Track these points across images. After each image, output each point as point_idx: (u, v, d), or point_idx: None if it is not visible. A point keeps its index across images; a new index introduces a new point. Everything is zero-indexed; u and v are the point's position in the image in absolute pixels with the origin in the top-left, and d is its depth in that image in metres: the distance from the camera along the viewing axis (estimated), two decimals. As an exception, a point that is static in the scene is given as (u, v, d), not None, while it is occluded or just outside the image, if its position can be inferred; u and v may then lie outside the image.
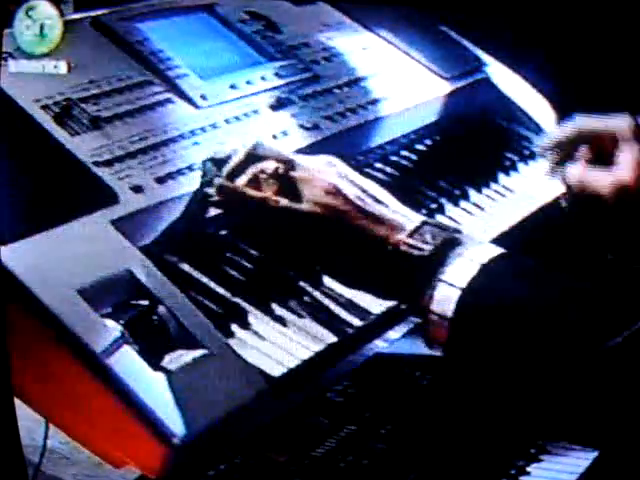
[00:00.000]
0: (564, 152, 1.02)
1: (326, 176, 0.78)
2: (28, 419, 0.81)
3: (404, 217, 0.75)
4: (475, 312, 0.69)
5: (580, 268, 1.07)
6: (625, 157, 0.96)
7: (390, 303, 0.82)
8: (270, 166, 0.81)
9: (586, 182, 0.97)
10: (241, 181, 0.81)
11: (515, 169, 1.15)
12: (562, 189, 0.99)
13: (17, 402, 0.79)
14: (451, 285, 0.70)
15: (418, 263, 0.72)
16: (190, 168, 0.90)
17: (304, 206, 0.77)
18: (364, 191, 0.77)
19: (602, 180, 0.96)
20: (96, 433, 0.74)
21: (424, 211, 1.01)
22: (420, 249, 0.72)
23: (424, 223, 0.74)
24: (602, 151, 0.99)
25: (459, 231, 0.74)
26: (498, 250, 0.73)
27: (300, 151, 0.99)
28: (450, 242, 0.72)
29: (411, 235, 0.73)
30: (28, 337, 0.75)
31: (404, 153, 1.11)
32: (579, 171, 0.98)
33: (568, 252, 1.05)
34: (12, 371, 0.77)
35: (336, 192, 0.76)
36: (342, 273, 0.77)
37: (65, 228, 0.79)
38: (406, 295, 0.74)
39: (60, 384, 0.74)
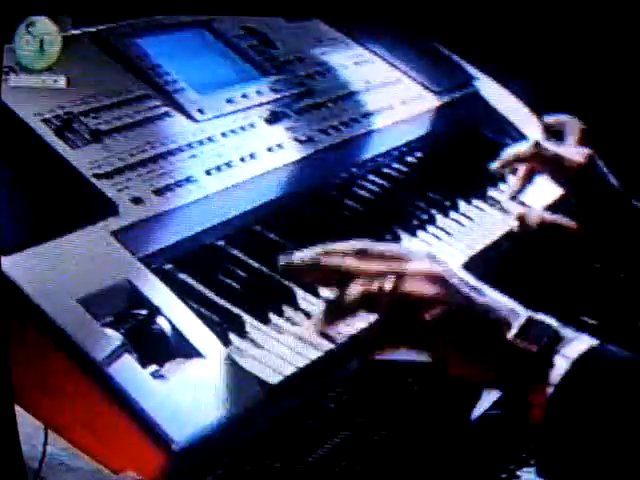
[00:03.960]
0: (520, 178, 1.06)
1: (435, 269, 0.78)
2: (28, 426, 0.81)
3: (510, 311, 0.76)
4: (564, 413, 0.72)
5: (568, 276, 1.09)
6: (579, 191, 1.00)
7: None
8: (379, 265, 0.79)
9: (544, 221, 1.01)
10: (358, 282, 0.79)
11: (504, 181, 1.17)
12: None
13: (17, 409, 0.79)
14: (547, 383, 0.73)
15: (526, 362, 0.74)
16: (188, 180, 0.91)
17: (414, 290, 0.76)
18: (470, 286, 0.78)
19: (558, 219, 1.00)
20: (95, 440, 0.74)
21: (416, 221, 1.03)
22: (528, 349, 0.74)
23: (529, 320, 0.76)
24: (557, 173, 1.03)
25: (557, 328, 0.76)
26: (592, 343, 0.75)
27: (296, 163, 1.01)
28: (554, 340, 0.75)
29: (519, 334, 0.75)
30: (29, 345, 0.76)
31: (396, 165, 1.12)
32: (537, 214, 1.02)
33: (557, 260, 1.07)
34: (13, 378, 0.78)
35: (443, 280, 0.77)
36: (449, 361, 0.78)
37: (66, 239, 0.80)
38: (509, 389, 0.77)
39: (60, 391, 0.75)
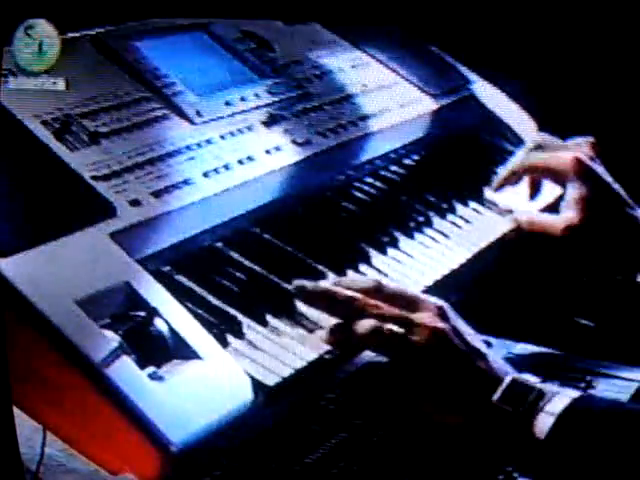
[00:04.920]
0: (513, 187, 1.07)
1: (440, 325, 0.81)
2: (26, 427, 0.81)
3: (500, 373, 0.80)
4: (556, 463, 0.76)
5: (564, 277, 1.10)
6: (568, 196, 1.00)
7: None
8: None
9: (535, 226, 1.03)
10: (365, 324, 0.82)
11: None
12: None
13: (15, 410, 0.79)
14: (534, 438, 0.77)
15: (510, 422, 0.78)
16: (186, 182, 0.91)
17: (419, 341, 0.80)
18: (470, 347, 0.82)
19: (549, 224, 1.01)
20: (94, 441, 0.74)
21: (413, 224, 1.04)
22: (510, 410, 0.78)
23: (514, 381, 0.79)
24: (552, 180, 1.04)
25: (541, 387, 0.79)
26: (574, 395, 0.78)
27: (293, 166, 1.01)
28: (537, 399, 0.78)
29: (504, 395, 0.79)
30: (27, 347, 0.76)
31: (393, 168, 1.13)
32: (528, 216, 1.03)
33: (552, 261, 1.08)
34: (11, 380, 0.77)
35: (445, 338, 0.81)
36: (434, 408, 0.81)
37: (64, 241, 0.80)
38: (492, 446, 0.81)
39: (58, 393, 0.75)
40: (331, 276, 0.91)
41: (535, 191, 1.11)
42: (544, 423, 0.76)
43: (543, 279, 1.12)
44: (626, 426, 0.76)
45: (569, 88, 1.31)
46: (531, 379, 0.80)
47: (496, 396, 0.79)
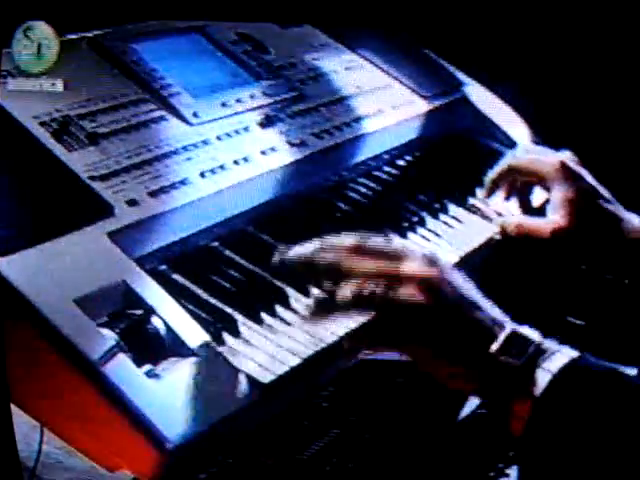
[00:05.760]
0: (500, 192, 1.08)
1: (429, 273, 0.78)
2: (24, 425, 0.82)
3: (496, 324, 0.77)
4: (545, 426, 0.73)
5: (555, 276, 1.11)
6: (555, 199, 1.01)
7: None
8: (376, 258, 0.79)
9: (522, 230, 1.03)
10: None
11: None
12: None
13: (13, 408, 0.80)
14: (529, 396, 0.74)
15: (508, 375, 0.75)
16: (182, 182, 0.92)
17: (404, 295, 0.77)
18: (461, 295, 0.78)
19: (536, 227, 1.01)
20: (91, 438, 0.75)
21: (406, 224, 1.04)
22: (510, 363, 0.75)
23: (513, 334, 0.77)
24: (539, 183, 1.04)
25: (540, 341, 0.77)
26: (573, 355, 0.76)
27: (289, 166, 1.02)
28: (537, 354, 0.76)
29: (502, 348, 0.76)
30: (25, 345, 0.76)
31: (386, 168, 1.13)
32: (515, 220, 1.03)
33: (543, 260, 1.08)
34: (9, 378, 0.78)
35: (436, 287, 0.77)
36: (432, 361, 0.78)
37: (62, 240, 0.80)
38: (491, 400, 0.78)
39: (56, 391, 0.75)
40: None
41: (521, 195, 1.11)
42: (541, 380, 0.74)
43: (534, 278, 1.13)
44: (622, 393, 0.74)
45: (560, 90, 1.32)
46: (530, 333, 0.77)
47: (495, 347, 0.75)
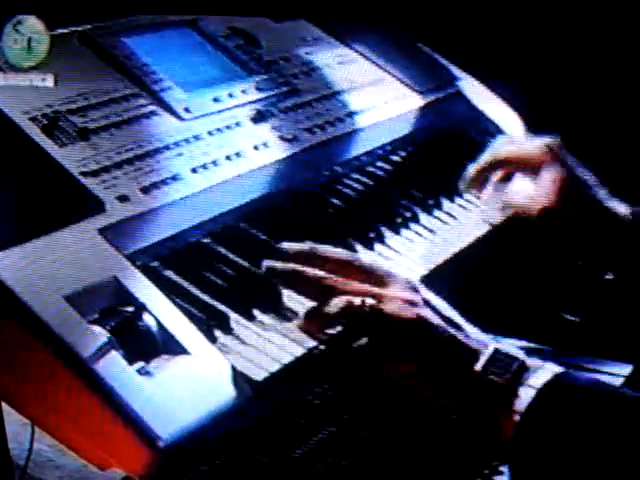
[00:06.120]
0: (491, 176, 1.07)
1: (411, 296, 0.81)
2: (15, 423, 0.82)
3: (479, 343, 0.79)
4: (531, 441, 0.75)
5: (551, 274, 1.11)
6: (542, 180, 1.01)
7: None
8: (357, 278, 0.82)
9: (511, 207, 1.03)
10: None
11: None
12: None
13: (4, 406, 0.80)
14: (514, 411, 0.76)
15: (493, 393, 0.77)
16: (174, 178, 0.91)
17: (392, 310, 0.80)
18: (443, 316, 0.80)
19: (525, 205, 1.01)
20: (82, 436, 0.75)
21: (400, 219, 1.04)
22: (495, 380, 0.77)
23: (496, 352, 0.78)
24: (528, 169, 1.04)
25: (524, 358, 0.79)
26: (557, 371, 0.77)
27: (281, 162, 1.01)
28: (520, 371, 0.77)
29: (486, 366, 0.78)
30: (15, 342, 0.76)
31: (380, 164, 1.13)
32: (504, 198, 1.03)
33: (539, 257, 1.08)
34: (-1, 376, 0.78)
35: (417, 309, 0.80)
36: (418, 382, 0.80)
37: (53, 236, 0.80)
38: (476, 418, 0.79)
39: (47, 388, 0.75)
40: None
41: (503, 186, 1.11)
42: (525, 396, 0.76)
43: (528, 274, 1.13)
44: (606, 407, 0.75)
45: (555, 84, 1.32)
46: (513, 350, 0.79)
47: (479, 365, 0.77)
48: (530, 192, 1.05)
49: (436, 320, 0.80)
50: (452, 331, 0.79)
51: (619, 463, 0.73)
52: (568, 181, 1.02)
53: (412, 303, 0.80)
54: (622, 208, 1.01)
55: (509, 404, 0.76)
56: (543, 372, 0.77)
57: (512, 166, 1.07)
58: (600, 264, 1.04)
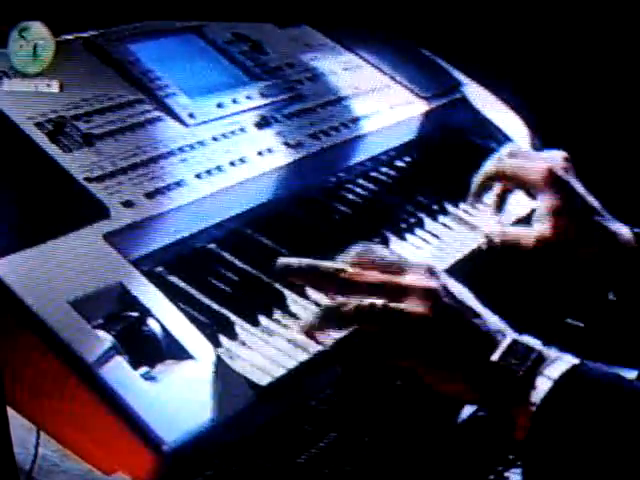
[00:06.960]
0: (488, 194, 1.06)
1: (430, 284, 0.79)
2: (20, 428, 0.82)
3: (497, 333, 0.78)
4: (546, 433, 0.74)
5: (554, 277, 1.10)
6: (540, 209, 0.99)
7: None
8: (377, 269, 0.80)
9: (507, 239, 1.02)
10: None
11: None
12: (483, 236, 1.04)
13: (9, 411, 0.79)
14: (530, 403, 0.75)
15: (509, 383, 0.76)
16: (179, 184, 0.91)
17: (406, 307, 0.78)
18: (463, 305, 0.79)
19: (520, 237, 1.00)
20: (87, 441, 0.75)
21: (404, 225, 1.04)
22: (512, 370, 0.76)
23: (514, 342, 0.77)
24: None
25: (541, 349, 0.77)
26: (574, 362, 0.76)
27: (285, 167, 1.01)
28: (537, 362, 0.76)
29: (503, 356, 0.77)
30: (21, 347, 0.76)
31: (384, 170, 1.13)
32: (499, 230, 1.02)
33: (543, 262, 1.07)
34: (5, 380, 0.78)
35: (437, 298, 0.78)
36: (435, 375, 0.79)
37: (58, 242, 0.80)
38: (492, 408, 0.78)
39: (52, 393, 0.75)
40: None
41: (503, 202, 1.09)
42: (541, 387, 0.74)
43: (533, 279, 1.12)
44: (624, 399, 0.74)
45: (560, 90, 1.32)
46: (531, 341, 0.78)
47: (496, 355, 0.76)
48: (527, 212, 1.04)
49: (453, 309, 0.78)
50: (469, 320, 0.77)
51: (635, 455, 0.72)
52: (566, 211, 0.99)
53: (429, 292, 0.78)
54: (626, 232, 0.99)
55: (525, 395, 0.75)
56: (560, 363, 0.76)
57: (511, 183, 1.06)
58: (604, 287, 1.02)
